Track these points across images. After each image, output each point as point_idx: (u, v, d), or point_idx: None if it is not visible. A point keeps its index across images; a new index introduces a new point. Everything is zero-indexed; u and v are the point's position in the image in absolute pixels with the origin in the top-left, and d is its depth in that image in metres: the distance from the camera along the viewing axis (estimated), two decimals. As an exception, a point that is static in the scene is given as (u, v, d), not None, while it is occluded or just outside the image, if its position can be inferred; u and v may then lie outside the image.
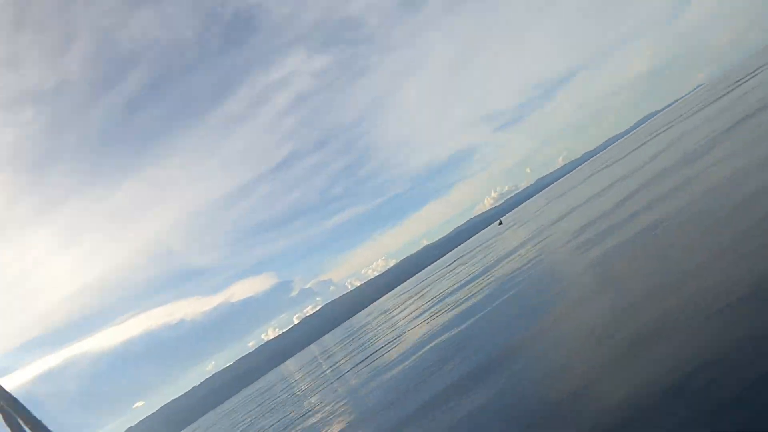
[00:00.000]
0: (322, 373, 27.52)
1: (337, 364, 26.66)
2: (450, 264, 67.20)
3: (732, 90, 40.73)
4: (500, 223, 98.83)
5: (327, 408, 13.93)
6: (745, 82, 41.45)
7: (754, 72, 48.01)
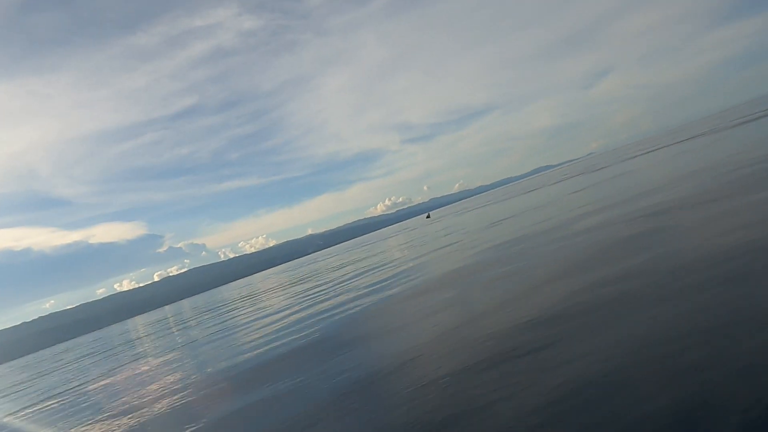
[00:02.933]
0: (161, 338, 24.45)
1: (180, 333, 23.76)
2: (331, 257, 65.80)
3: (610, 165, 44.17)
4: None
5: (139, 383, 11.50)
6: (629, 159, 45.00)
7: (634, 155, 52.43)
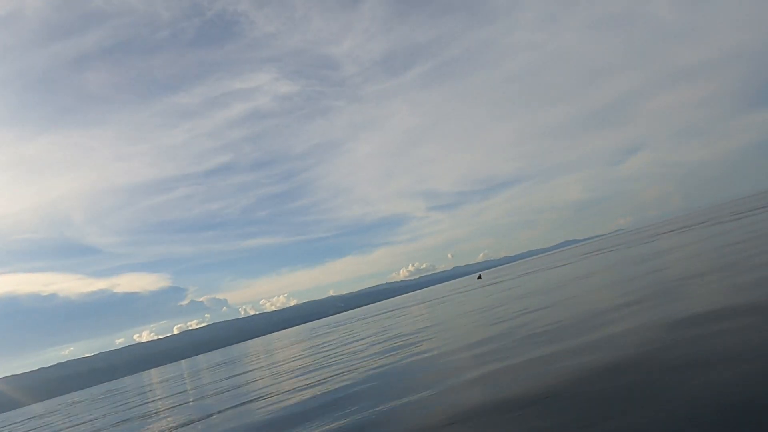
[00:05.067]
0: (176, 394, 24.07)
1: (195, 391, 23.40)
2: (354, 320, 64.80)
3: (644, 242, 43.34)
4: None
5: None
6: (655, 239, 44.09)
7: (664, 232, 51.51)
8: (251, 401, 13.45)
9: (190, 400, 19.91)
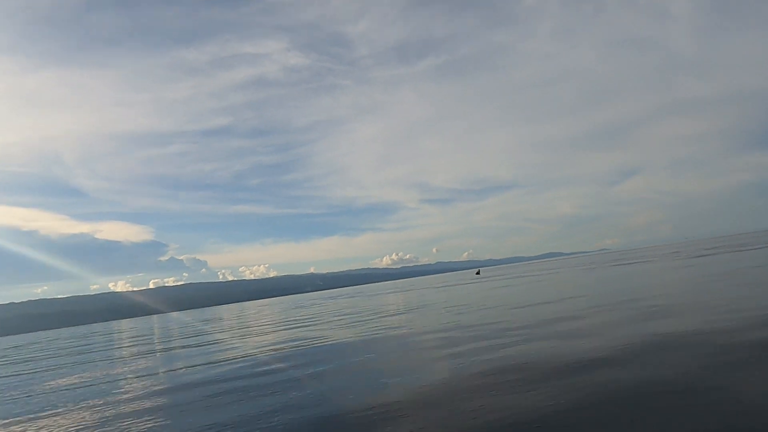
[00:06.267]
0: (139, 345, 24.71)
1: (160, 345, 24.02)
2: (333, 298, 65.48)
3: (618, 265, 44.47)
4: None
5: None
6: (633, 263, 45.20)
7: (643, 259, 52.61)
8: (212, 363, 14.10)
9: (156, 351, 20.53)
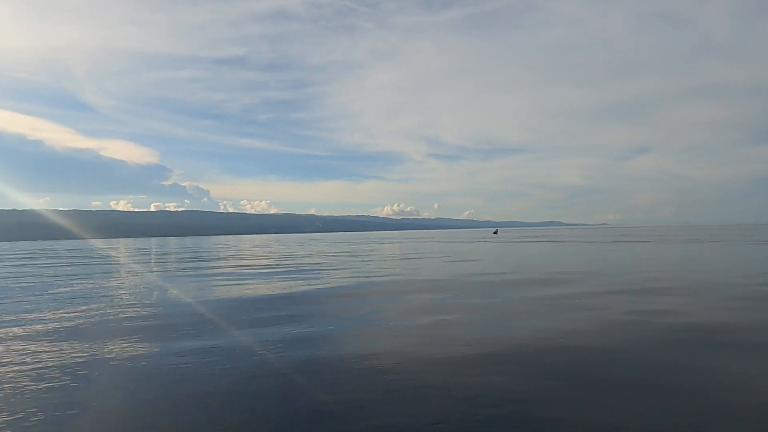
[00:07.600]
0: (136, 264, 25.06)
1: (157, 266, 24.35)
2: (335, 242, 65.76)
3: (614, 242, 44.52)
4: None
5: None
6: (632, 242, 45.18)
7: (640, 238, 52.56)
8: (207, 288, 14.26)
9: (154, 271, 20.82)
